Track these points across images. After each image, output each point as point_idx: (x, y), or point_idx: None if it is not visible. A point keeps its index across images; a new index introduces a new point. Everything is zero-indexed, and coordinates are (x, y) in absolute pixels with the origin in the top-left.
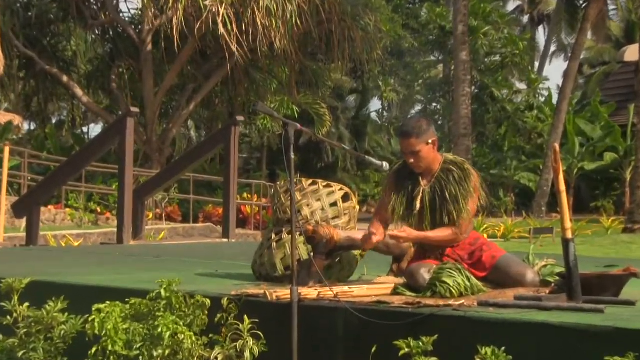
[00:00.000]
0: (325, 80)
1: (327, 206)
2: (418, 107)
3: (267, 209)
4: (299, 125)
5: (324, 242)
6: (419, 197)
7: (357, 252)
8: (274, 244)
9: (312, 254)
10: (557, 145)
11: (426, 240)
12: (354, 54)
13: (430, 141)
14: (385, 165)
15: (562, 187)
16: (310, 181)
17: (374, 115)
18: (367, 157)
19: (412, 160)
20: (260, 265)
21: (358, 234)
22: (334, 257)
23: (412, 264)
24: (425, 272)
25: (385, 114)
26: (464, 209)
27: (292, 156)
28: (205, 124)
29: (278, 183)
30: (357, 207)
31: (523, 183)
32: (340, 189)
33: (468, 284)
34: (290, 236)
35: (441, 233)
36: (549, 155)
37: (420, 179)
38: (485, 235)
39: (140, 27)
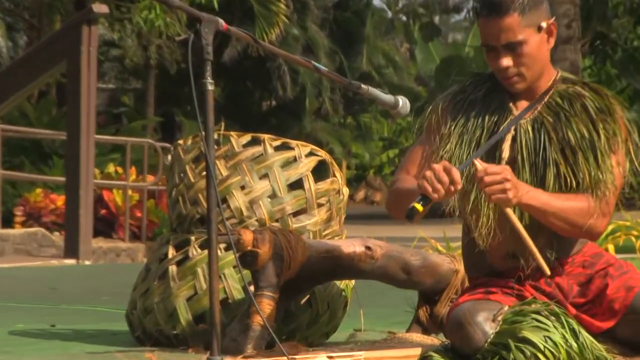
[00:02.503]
0: None
1: (283, 189)
2: None
3: (157, 198)
4: (222, 23)
5: (275, 265)
6: (509, 141)
7: (344, 283)
8: (172, 270)
9: (252, 288)
10: None
11: (543, 208)
12: None
13: (544, 25)
14: (402, 102)
15: None
16: (248, 137)
17: (378, 0)
18: (364, 86)
19: (505, 64)
20: (144, 313)
21: (348, 245)
22: (299, 295)
23: (460, 304)
24: (486, 321)
25: None
26: (608, 171)
27: (211, 85)
28: (26, 19)
29: (179, 142)
30: (346, 192)
31: None
32: (311, 154)
33: (575, 346)
34: (205, 253)
35: (576, 202)
36: None
37: (512, 106)
38: (612, 249)
39: None
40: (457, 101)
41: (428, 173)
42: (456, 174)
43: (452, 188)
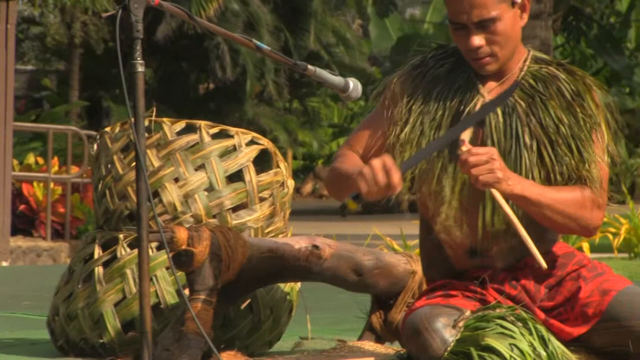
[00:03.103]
0: None
1: (221, 181)
2: None
3: (82, 192)
4: None
5: (212, 266)
6: (471, 127)
7: (289, 286)
8: (98, 272)
9: (187, 291)
10: None
11: (538, 200)
12: None
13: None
14: (353, 84)
15: None
16: (182, 124)
17: None
18: (311, 67)
19: (476, 43)
20: (67, 320)
21: (294, 243)
22: (239, 299)
23: (417, 309)
24: (445, 327)
25: None
26: (593, 160)
27: (141, 66)
28: None
29: (106, 130)
30: (291, 184)
31: None
32: (252, 143)
33: (544, 354)
34: (135, 253)
35: (571, 193)
36: None
37: (481, 87)
38: (586, 248)
39: None
40: (416, 75)
41: (366, 170)
42: (395, 176)
43: (389, 192)
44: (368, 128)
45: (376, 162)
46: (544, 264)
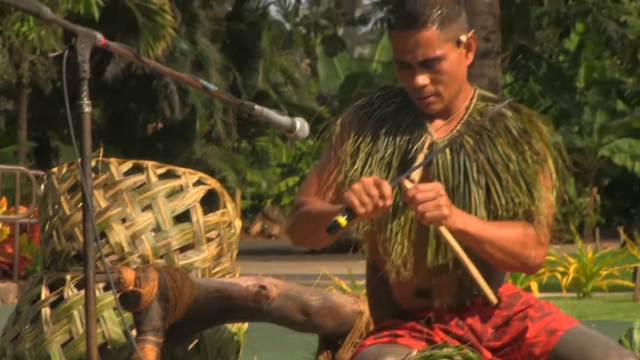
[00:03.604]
0: None
1: (169, 221)
2: None
3: (30, 232)
4: (100, 37)
5: (160, 306)
6: (423, 162)
7: (236, 326)
8: (45, 313)
9: (134, 332)
10: None
11: (480, 235)
12: None
13: (463, 38)
14: (300, 124)
15: None
16: (129, 164)
17: (275, 10)
18: (258, 107)
19: (421, 82)
20: None
21: (241, 283)
22: (186, 339)
23: (364, 349)
24: None
25: (301, 5)
26: (540, 197)
27: (88, 107)
28: None
29: (53, 170)
30: (239, 224)
31: (618, 164)
32: (199, 183)
33: None
34: (82, 294)
35: (513, 230)
36: None
37: (428, 123)
38: (535, 287)
39: None
40: (363, 115)
41: (356, 186)
42: (387, 188)
43: (382, 203)
44: (320, 174)
45: (366, 178)
46: (494, 299)
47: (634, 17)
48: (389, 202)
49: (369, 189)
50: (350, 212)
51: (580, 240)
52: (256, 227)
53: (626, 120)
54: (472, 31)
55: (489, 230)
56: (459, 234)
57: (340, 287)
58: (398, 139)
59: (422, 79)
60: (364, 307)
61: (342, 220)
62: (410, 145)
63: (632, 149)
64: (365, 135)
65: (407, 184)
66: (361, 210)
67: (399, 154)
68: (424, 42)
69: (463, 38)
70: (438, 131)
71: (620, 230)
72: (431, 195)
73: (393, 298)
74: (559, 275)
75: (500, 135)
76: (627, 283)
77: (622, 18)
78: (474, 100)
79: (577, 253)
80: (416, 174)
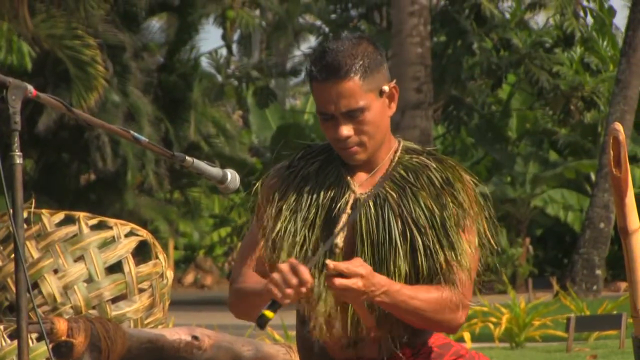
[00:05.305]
0: None
1: (101, 272)
2: (310, 43)
3: None
4: (31, 89)
5: (92, 356)
6: (345, 219)
7: None
8: None
9: None
10: (619, 128)
11: (397, 306)
12: None
13: (385, 88)
14: (231, 176)
15: (636, 220)
16: (61, 215)
17: (206, 62)
18: (189, 159)
19: (345, 134)
20: None
21: (173, 334)
22: None
23: None
24: None
25: (232, 57)
26: (462, 251)
27: (19, 158)
28: None
29: None
30: (170, 275)
31: (551, 214)
32: (131, 234)
33: None
34: (15, 344)
35: (431, 293)
36: (608, 152)
37: (350, 179)
38: (467, 338)
39: None
40: (286, 176)
41: (275, 276)
42: (304, 272)
43: (303, 289)
44: (252, 239)
45: (283, 266)
46: (371, 322)
47: (566, 67)
48: (309, 284)
49: (287, 277)
50: (275, 304)
51: (512, 290)
52: (189, 278)
53: (559, 170)
54: (394, 81)
55: (409, 302)
56: (379, 304)
57: (273, 337)
58: (321, 197)
59: (346, 130)
60: (296, 357)
61: (268, 313)
62: (334, 204)
63: (564, 199)
64: (288, 195)
65: (329, 265)
66: (285, 301)
67: (323, 213)
68: (346, 92)
69: (386, 88)
70: (362, 185)
71: (553, 280)
72: (351, 283)
73: (324, 349)
74: (491, 326)
75: (424, 189)
76: (560, 333)
77: (555, 69)
78: (398, 152)
79: (510, 303)
80: (340, 238)
